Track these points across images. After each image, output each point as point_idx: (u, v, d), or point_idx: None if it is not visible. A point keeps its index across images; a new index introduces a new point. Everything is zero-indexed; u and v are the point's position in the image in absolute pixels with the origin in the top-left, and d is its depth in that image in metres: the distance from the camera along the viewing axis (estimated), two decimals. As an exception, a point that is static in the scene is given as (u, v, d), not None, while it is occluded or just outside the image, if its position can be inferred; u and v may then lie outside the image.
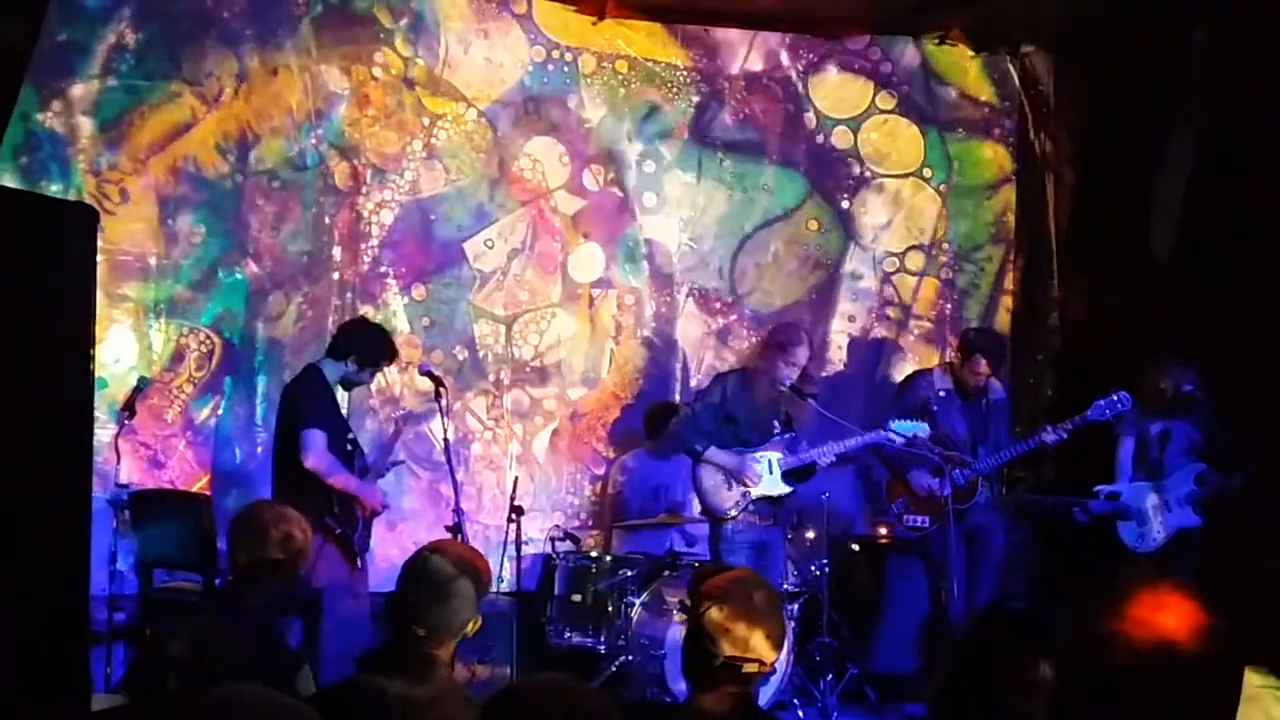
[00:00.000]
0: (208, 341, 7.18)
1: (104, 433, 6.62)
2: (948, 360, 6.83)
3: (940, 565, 6.42)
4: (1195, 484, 6.64)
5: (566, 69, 7.81)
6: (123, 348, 7.03)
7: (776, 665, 3.02)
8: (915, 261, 8.32)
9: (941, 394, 6.65)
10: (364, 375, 6.24)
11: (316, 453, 5.84)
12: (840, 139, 8.22)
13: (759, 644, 2.92)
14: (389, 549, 7.23)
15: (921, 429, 6.37)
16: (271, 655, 3.60)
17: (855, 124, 8.24)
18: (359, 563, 6.11)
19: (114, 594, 6.12)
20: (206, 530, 6.13)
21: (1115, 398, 6.47)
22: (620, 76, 7.89)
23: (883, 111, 8.27)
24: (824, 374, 8.08)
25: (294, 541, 3.78)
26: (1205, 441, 6.68)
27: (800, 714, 6.46)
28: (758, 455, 6.40)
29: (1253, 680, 2.23)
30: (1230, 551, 6.42)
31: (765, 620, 2.94)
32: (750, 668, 2.91)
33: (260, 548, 3.73)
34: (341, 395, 6.48)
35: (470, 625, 3.16)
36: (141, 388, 6.53)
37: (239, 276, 7.24)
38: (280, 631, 3.81)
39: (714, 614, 2.94)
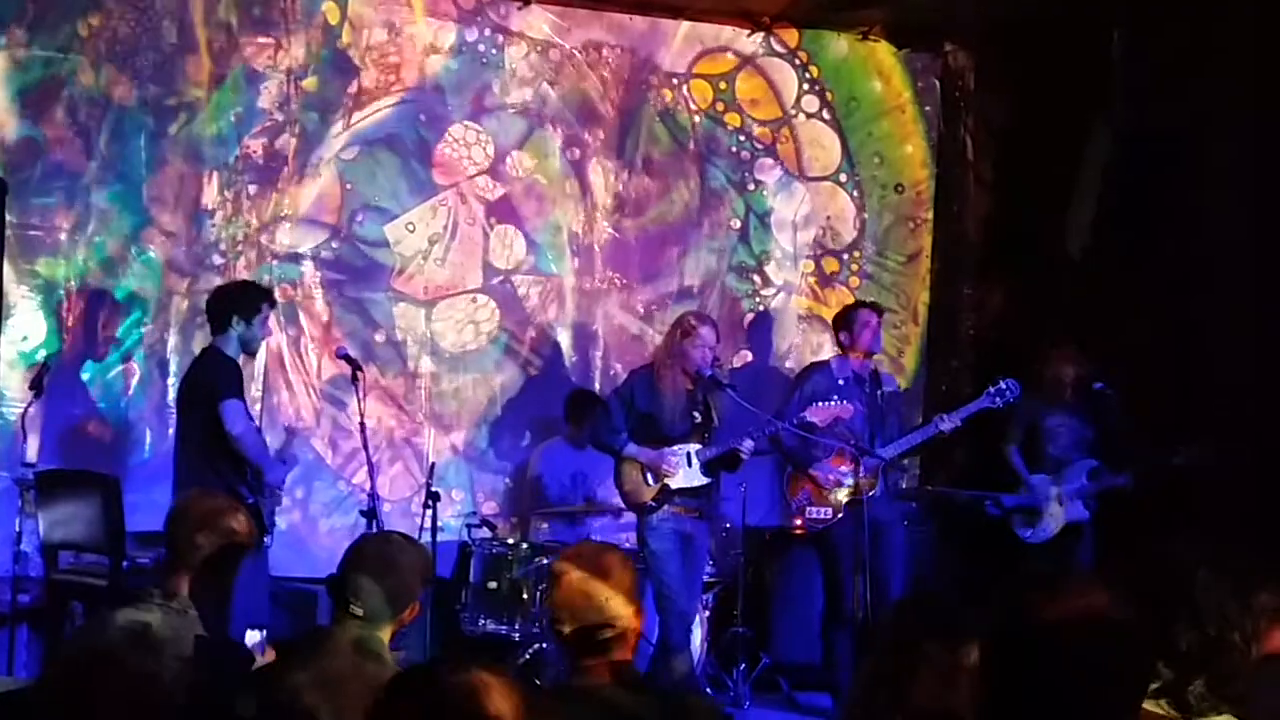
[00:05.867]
0: (118, 320, 7.04)
1: (10, 411, 6.49)
2: (840, 344, 6.75)
3: (839, 558, 6.41)
4: (1088, 479, 6.76)
5: (492, 53, 7.75)
6: (31, 325, 6.88)
7: (639, 627, 2.98)
8: (834, 256, 8.35)
9: (841, 383, 6.61)
10: (255, 328, 5.98)
11: (238, 420, 5.72)
12: (763, 132, 8.23)
13: (616, 606, 2.90)
14: (301, 533, 7.19)
15: (845, 409, 6.34)
16: (226, 642, 3.56)
17: (778, 116, 8.26)
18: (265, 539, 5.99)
19: (19, 575, 6.00)
20: (114, 512, 6.00)
21: (1004, 385, 6.51)
22: (546, 62, 7.85)
23: (805, 105, 8.30)
24: (743, 365, 8.11)
25: (239, 533, 3.75)
26: (1096, 436, 6.81)
27: (713, 702, 6.48)
28: (676, 448, 6.38)
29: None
30: (1118, 543, 6.60)
31: (614, 579, 2.92)
32: (606, 633, 2.88)
33: (216, 536, 3.69)
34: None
35: (405, 612, 3.22)
36: (49, 365, 6.39)
37: (152, 255, 7.11)
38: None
39: (566, 581, 2.95)
